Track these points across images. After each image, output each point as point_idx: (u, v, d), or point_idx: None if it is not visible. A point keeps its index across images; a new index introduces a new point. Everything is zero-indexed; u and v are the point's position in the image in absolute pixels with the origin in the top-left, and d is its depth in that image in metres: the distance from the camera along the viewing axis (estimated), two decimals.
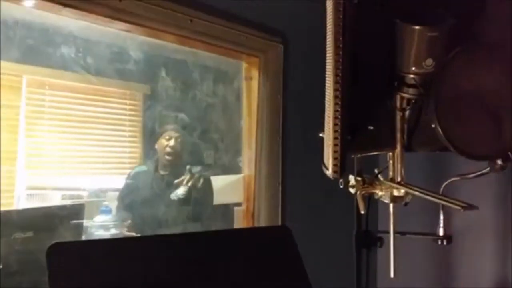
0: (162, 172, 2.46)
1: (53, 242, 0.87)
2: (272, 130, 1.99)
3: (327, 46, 0.94)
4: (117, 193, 3.43)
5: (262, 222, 1.95)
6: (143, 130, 3.82)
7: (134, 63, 3.33)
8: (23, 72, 3.20)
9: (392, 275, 1.08)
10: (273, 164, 1.98)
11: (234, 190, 1.97)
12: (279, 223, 1.96)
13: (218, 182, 1.92)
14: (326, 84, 0.95)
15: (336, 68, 0.85)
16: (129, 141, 3.82)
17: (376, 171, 1.19)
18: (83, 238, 1.88)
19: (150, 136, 3.75)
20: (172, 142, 2.44)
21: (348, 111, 0.88)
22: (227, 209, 2.02)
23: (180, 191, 2.37)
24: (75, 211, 1.74)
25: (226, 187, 1.93)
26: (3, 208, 2.72)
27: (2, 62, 3.02)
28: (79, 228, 1.76)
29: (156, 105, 3.88)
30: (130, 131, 3.83)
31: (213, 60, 2.71)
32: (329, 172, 0.92)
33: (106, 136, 3.65)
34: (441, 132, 0.90)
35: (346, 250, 1.37)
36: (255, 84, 2.01)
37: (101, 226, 2.05)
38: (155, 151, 2.56)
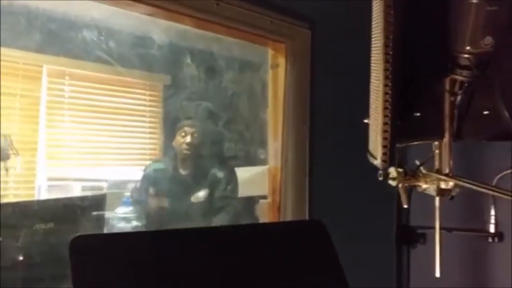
0: (182, 172, 2.37)
1: (76, 234, 0.82)
2: (299, 119, 1.91)
3: (373, 24, 0.85)
4: (137, 185, 3.40)
5: (289, 216, 1.87)
6: (163, 121, 3.78)
7: (154, 54, 3.28)
8: (44, 61, 3.18)
9: (437, 274, 0.99)
10: (300, 155, 1.90)
11: (259, 182, 1.90)
12: (306, 217, 1.89)
13: (243, 173, 1.84)
14: (372, 67, 0.86)
15: (386, 46, 0.76)
16: (149, 132, 3.78)
17: (417, 162, 1.10)
18: (105, 229, 1.83)
19: (170, 127, 3.71)
20: (188, 139, 2.34)
21: (399, 95, 0.79)
22: (252, 202, 1.95)
23: (201, 194, 2.30)
24: (96, 202, 1.69)
25: (251, 179, 1.86)
26: (24, 199, 2.70)
27: (21, 52, 3.00)
28: (101, 219, 1.71)
29: (176, 96, 3.84)
30: (150, 122, 3.78)
31: (236, 48, 2.64)
32: (377, 161, 0.84)
33: (126, 127, 3.62)
34: (509, 118, 0.80)
35: (381, 246, 1.29)
36: (281, 71, 1.93)
37: (123, 218, 2.00)
38: (173, 149, 2.47)
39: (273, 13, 1.79)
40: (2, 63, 2.99)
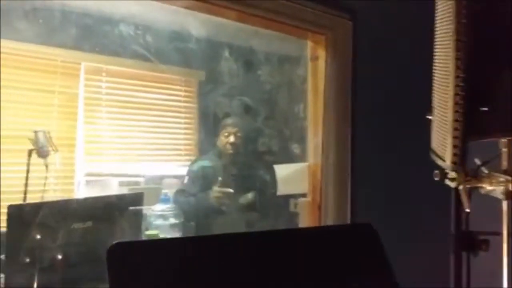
0: (229, 172, 2.33)
1: (114, 242, 0.76)
2: (340, 114, 1.81)
3: (440, 8, 0.75)
4: (173, 180, 3.37)
5: (330, 215, 1.79)
6: (198, 117, 3.75)
7: (189, 50, 3.24)
8: (81, 59, 3.18)
9: (505, 285, 0.89)
10: (342, 152, 1.80)
11: (298, 179, 1.82)
12: (349, 217, 1.79)
13: (282, 171, 1.76)
14: (438, 56, 0.76)
15: (458, 32, 0.66)
16: (185, 128, 3.76)
17: (477, 161, 0.99)
18: (142, 227, 1.79)
19: (205, 123, 3.67)
20: (231, 139, 2.30)
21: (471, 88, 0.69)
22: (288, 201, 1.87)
23: (250, 195, 2.25)
24: (133, 201, 1.65)
25: (290, 177, 1.78)
26: (63, 197, 2.70)
27: (59, 49, 3.00)
28: (138, 218, 1.66)
29: (211, 92, 3.79)
30: (185, 117, 3.76)
31: (272, 40, 2.55)
32: (445, 163, 0.74)
33: (162, 123, 3.61)
34: None
35: (432, 251, 1.19)
36: (321, 64, 1.83)
37: (160, 215, 1.95)
38: (218, 148, 2.43)
39: (312, 4, 1.70)
40: (40, 61, 3.02)
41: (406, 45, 1.88)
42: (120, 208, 1.58)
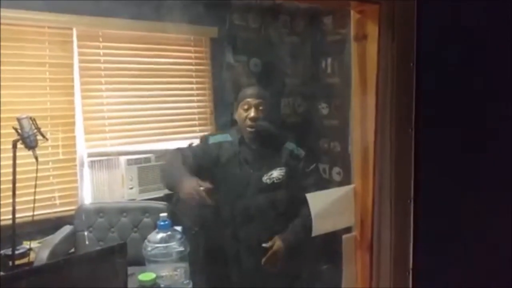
0: (252, 147, 1.83)
1: None
2: (400, 117, 1.23)
3: None
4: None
5: (385, 257, 1.27)
6: (213, 81, 3.22)
7: (196, 3, 2.72)
8: (72, 23, 2.67)
9: None
10: (402, 170, 1.25)
11: (341, 210, 1.29)
12: (410, 260, 1.27)
13: (317, 201, 1.22)
14: None
15: None
16: (197, 95, 3.26)
17: None
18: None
19: (221, 88, 3.16)
20: (252, 113, 1.76)
21: None
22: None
23: (276, 173, 1.76)
24: (114, 254, 1.15)
25: (329, 208, 1.25)
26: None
27: (48, 14, 2.50)
28: (121, 273, 1.17)
29: (226, 51, 3.28)
30: (197, 82, 3.25)
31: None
32: None
33: (171, 90, 3.12)
34: None
35: None
36: (372, 46, 1.23)
37: (160, 247, 1.46)
38: (236, 122, 1.90)
39: None
40: (23, 28, 2.53)
41: (489, 20, 1.26)
42: (93, 269, 1.09)
